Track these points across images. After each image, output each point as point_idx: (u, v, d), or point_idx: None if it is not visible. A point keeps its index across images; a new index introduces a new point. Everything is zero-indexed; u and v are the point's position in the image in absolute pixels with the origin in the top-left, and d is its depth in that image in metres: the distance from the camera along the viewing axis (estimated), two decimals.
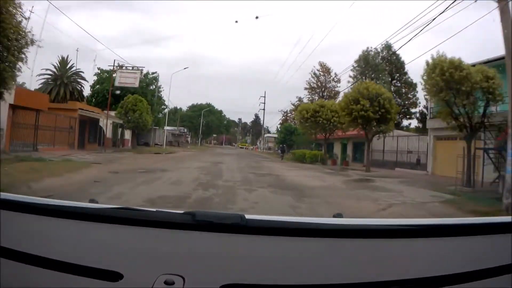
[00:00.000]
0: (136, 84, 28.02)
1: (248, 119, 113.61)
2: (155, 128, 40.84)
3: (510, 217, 1.44)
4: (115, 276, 1.01)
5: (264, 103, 66.71)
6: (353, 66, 46.87)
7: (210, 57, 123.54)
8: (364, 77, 45.73)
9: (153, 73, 41.92)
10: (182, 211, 1.35)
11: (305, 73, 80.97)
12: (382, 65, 46.05)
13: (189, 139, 77.97)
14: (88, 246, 1.20)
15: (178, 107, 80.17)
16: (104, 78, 40.55)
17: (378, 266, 1.14)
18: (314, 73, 55.11)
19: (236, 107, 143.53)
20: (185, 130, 59.95)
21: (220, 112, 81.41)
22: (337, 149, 33.28)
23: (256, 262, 1.14)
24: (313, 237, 1.26)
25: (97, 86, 42.09)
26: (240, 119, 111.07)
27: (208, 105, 77.87)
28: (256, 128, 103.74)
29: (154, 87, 41.34)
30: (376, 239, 1.28)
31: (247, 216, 1.28)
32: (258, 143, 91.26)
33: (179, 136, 56.71)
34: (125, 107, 31.38)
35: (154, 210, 1.38)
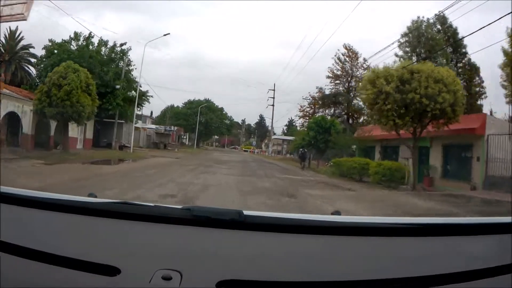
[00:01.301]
0: (26, 17, 14.49)
1: (251, 121, 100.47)
2: (120, 123, 26.85)
3: (510, 217, 1.30)
4: (112, 271, 0.97)
5: (274, 97, 52.72)
6: (399, 42, 33.16)
7: (212, 58, 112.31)
8: (416, 55, 32.49)
9: (121, 44, 28.13)
10: (180, 206, 1.28)
11: (309, 75, 68.13)
12: (440, 39, 32.22)
13: (186, 140, 64.44)
14: (86, 241, 1.15)
15: (175, 105, 66.63)
16: (54, 52, 27.02)
17: (377, 264, 1.09)
18: (338, 58, 41.18)
19: (239, 109, 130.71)
20: (172, 128, 44.78)
21: (221, 109, 67.11)
22: (404, 156, 19.24)
23: (254, 258, 1.10)
24: (311, 234, 1.20)
25: (44, 61, 28.52)
26: (243, 120, 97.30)
27: (207, 101, 63.77)
28: (261, 129, 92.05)
29: (123, 64, 27.50)
30: (375, 237, 1.21)
31: (245, 212, 1.21)
32: (263, 145, 78.48)
33: (166, 136, 42.55)
34: (49, 82, 17.53)
35: (153, 205, 1.33)
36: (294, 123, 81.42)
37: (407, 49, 33.13)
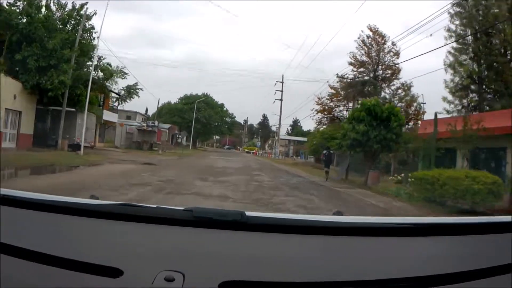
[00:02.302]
0: None
1: (254, 121, 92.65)
2: (72, 112, 18.58)
3: (510, 216, 1.27)
4: (115, 273, 0.96)
5: (282, 90, 44.71)
6: (449, 13, 25.03)
7: (214, 59, 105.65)
8: (474, 29, 24.39)
9: (82, 5, 19.99)
10: (182, 208, 1.25)
11: (311, 74, 60.74)
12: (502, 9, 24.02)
13: (183, 140, 56.32)
14: (88, 242, 1.15)
15: (173, 102, 58.26)
16: None
17: (378, 264, 1.09)
18: (363, 41, 33.20)
19: (241, 108, 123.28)
20: (156, 124, 36.07)
21: (221, 106, 58.90)
22: None
23: (256, 259, 1.10)
24: (313, 235, 1.20)
25: None
26: (246, 120, 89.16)
27: (205, 95, 55.60)
28: (264, 130, 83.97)
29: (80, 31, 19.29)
30: (376, 237, 1.21)
31: (247, 213, 1.20)
32: (266, 146, 70.31)
33: (150, 134, 34.16)
34: None
35: (155, 206, 1.32)
36: (298, 123, 73.32)
37: (464, 20, 24.99)
